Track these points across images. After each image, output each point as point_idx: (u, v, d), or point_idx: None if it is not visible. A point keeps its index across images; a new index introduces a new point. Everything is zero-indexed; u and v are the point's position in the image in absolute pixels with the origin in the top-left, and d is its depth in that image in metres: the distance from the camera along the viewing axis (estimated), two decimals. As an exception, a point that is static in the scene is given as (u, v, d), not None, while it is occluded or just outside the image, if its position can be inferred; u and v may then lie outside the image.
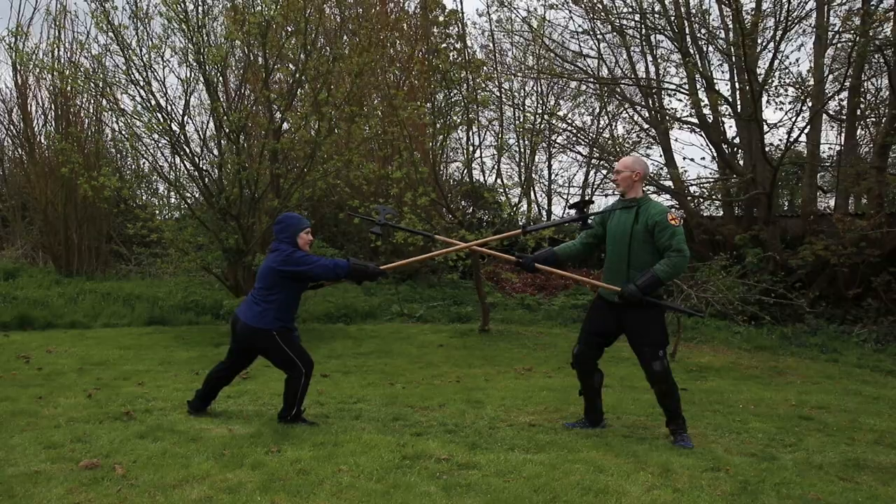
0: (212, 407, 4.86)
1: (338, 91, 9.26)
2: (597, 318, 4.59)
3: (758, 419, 5.16)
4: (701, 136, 14.35)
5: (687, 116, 14.35)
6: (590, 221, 4.67)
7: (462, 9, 17.56)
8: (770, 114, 30.31)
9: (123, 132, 9.82)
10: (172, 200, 12.47)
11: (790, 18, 11.72)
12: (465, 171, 14.28)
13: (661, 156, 14.74)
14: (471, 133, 10.58)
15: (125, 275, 14.01)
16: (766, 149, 12.57)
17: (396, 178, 9.43)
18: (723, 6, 12.95)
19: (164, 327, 9.72)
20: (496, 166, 17.39)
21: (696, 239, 12.64)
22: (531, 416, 5.06)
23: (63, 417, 4.59)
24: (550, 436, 4.44)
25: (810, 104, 12.41)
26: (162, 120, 8.85)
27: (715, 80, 13.19)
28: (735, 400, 5.94)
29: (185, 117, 9.26)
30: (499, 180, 15.81)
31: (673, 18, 12.72)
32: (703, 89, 13.06)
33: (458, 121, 10.21)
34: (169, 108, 9.08)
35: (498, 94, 12.66)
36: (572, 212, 4.88)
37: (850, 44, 12.08)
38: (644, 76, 14.77)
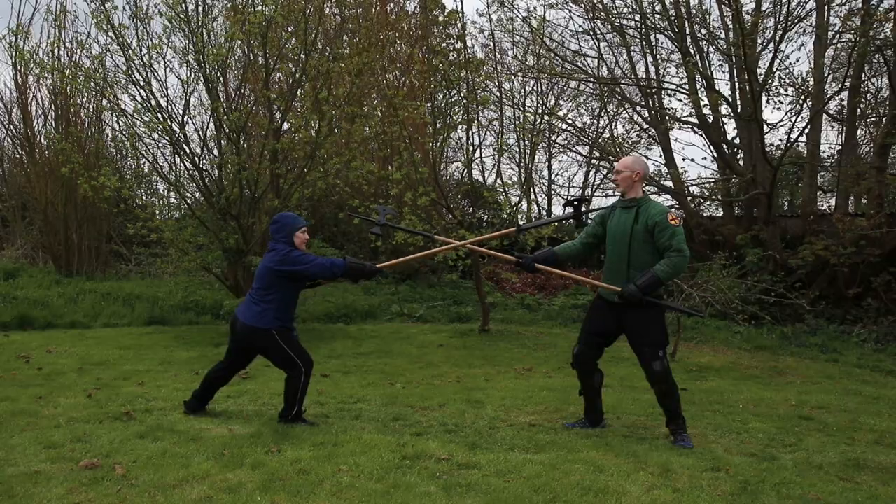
0: (211, 407, 4.87)
1: (338, 91, 9.26)
2: (597, 318, 4.59)
3: (758, 419, 5.16)
4: (701, 136, 14.37)
5: (687, 116, 14.39)
6: (584, 219, 4.67)
7: (462, 9, 17.56)
8: (770, 114, 30.36)
9: (123, 132, 9.84)
10: (172, 200, 12.51)
11: (790, 18, 11.71)
12: (465, 171, 14.28)
13: (661, 156, 14.78)
14: (471, 133, 10.61)
15: (125, 275, 13.99)
16: (766, 149, 12.57)
17: (396, 179, 9.43)
18: (723, 6, 12.96)
19: (164, 327, 9.72)
20: (496, 166, 17.52)
21: (696, 239, 12.64)
22: (531, 416, 5.06)
23: (63, 417, 4.59)
24: (550, 436, 4.44)
25: (810, 104, 12.42)
26: (162, 120, 8.87)
27: (715, 80, 13.21)
28: (735, 400, 5.93)
29: (186, 117, 9.29)
30: (499, 180, 15.82)
31: (673, 18, 12.72)
32: (703, 89, 13.06)
33: (458, 121, 10.20)
34: (169, 108, 9.11)
35: (498, 93, 12.67)
36: (569, 209, 4.88)
37: (850, 44, 12.09)
38: (644, 76, 14.78)
